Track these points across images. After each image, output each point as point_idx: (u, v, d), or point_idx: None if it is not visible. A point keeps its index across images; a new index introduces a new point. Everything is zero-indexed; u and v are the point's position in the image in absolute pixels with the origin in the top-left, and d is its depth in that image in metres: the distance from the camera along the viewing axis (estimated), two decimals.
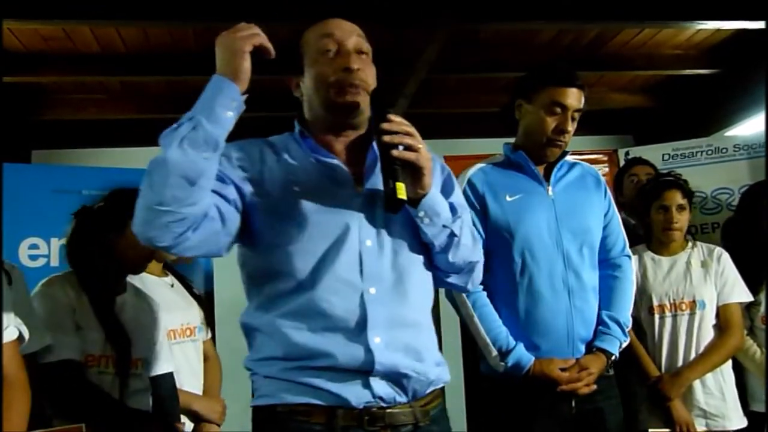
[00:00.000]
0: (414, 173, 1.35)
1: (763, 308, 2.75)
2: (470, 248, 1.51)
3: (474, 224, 2.10)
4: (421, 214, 1.40)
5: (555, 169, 2.16)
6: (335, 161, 1.47)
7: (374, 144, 1.45)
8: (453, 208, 1.48)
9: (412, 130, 1.36)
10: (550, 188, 2.14)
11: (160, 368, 2.26)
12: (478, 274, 1.60)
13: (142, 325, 2.22)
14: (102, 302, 2.10)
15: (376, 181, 1.43)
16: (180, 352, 2.52)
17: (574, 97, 2.08)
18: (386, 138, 1.34)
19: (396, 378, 1.37)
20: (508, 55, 4.49)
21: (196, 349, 2.64)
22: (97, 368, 2.04)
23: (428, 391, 1.44)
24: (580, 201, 2.16)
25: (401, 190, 1.31)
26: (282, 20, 3.66)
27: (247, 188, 1.42)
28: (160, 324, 2.31)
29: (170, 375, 2.30)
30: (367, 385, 1.35)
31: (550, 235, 2.08)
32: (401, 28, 3.89)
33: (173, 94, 4.94)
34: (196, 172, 1.25)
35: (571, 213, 2.12)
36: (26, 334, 1.69)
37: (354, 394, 1.34)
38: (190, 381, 2.55)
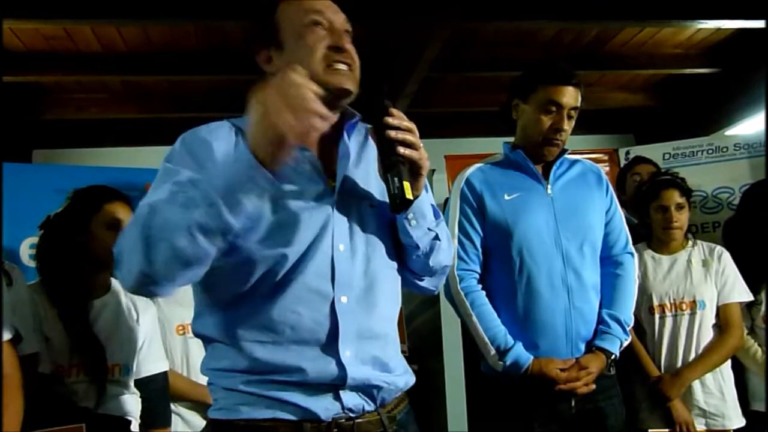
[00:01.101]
0: (413, 173, 1.30)
1: (763, 307, 2.74)
2: (447, 252, 1.46)
3: (472, 223, 2.11)
4: (410, 215, 1.34)
5: (554, 168, 2.16)
6: (308, 153, 1.35)
7: (345, 135, 1.39)
8: (434, 211, 1.44)
9: (413, 126, 1.30)
10: (549, 187, 2.14)
11: (150, 369, 2.25)
12: (445, 277, 1.55)
13: (123, 329, 2.19)
14: (69, 310, 2.06)
15: (350, 177, 1.37)
16: (197, 346, 2.51)
17: (569, 96, 2.08)
18: (392, 134, 1.27)
19: (366, 389, 1.31)
20: (509, 54, 4.49)
21: None
22: (68, 378, 2.02)
23: (395, 397, 1.39)
24: (580, 199, 2.16)
25: (408, 190, 1.25)
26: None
27: None
28: (149, 324, 2.29)
29: (162, 375, 2.29)
30: (336, 398, 1.28)
31: (549, 233, 2.07)
32: (403, 26, 3.89)
33: (174, 94, 4.94)
34: (200, 259, 1.16)
35: (571, 211, 2.11)
36: (24, 335, 1.69)
37: (323, 407, 1.26)
38: None
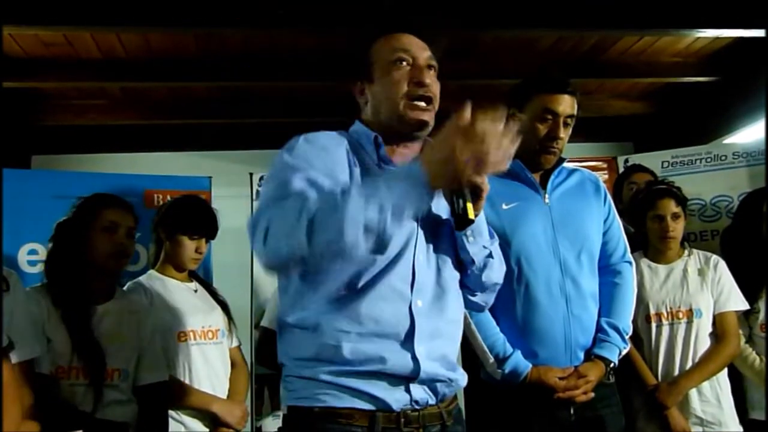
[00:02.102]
0: (474, 195, 1.41)
1: (761, 316, 2.74)
2: (499, 269, 1.62)
3: None
4: (469, 233, 1.50)
5: (552, 177, 2.16)
6: None
7: None
8: (490, 232, 1.59)
9: None
10: (546, 196, 2.14)
11: (147, 378, 2.26)
12: (495, 294, 1.69)
13: (124, 335, 2.22)
14: (72, 313, 2.10)
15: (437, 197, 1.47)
16: (199, 354, 2.54)
17: (564, 104, 2.09)
18: None
19: (433, 384, 1.46)
20: (508, 62, 4.50)
21: (220, 352, 2.64)
22: (67, 380, 2.05)
23: (452, 394, 1.54)
24: (577, 208, 2.16)
25: (471, 210, 1.38)
26: (283, 26, 3.68)
27: None
28: (150, 332, 2.31)
29: (160, 385, 2.30)
30: (407, 390, 1.43)
31: (547, 242, 2.08)
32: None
33: (174, 100, 4.95)
34: (349, 256, 1.27)
35: (568, 220, 2.12)
36: (20, 342, 1.69)
37: (395, 398, 1.41)
38: (211, 383, 2.56)
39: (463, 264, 1.57)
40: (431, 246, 1.52)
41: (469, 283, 1.60)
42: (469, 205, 1.38)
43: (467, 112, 1.28)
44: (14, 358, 1.70)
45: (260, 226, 1.30)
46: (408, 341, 1.42)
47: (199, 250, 2.64)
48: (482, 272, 1.58)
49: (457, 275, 1.57)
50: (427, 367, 1.43)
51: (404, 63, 1.55)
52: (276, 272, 1.47)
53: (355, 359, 1.39)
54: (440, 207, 1.53)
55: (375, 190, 1.26)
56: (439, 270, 1.51)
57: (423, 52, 1.58)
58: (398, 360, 1.41)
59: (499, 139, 1.24)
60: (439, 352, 1.47)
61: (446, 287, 1.52)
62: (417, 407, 1.45)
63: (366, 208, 1.23)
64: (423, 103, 1.54)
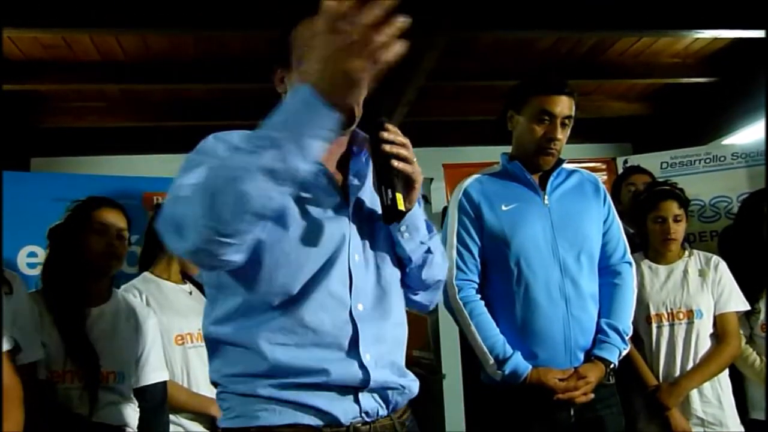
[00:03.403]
0: (407, 186, 1.33)
1: (762, 316, 2.74)
2: (440, 266, 1.50)
3: (470, 234, 2.12)
4: (403, 228, 1.38)
5: (551, 178, 2.17)
6: (323, 168, 1.36)
7: (359, 153, 1.43)
8: (428, 226, 1.47)
9: (407, 141, 1.34)
10: (546, 197, 2.15)
11: (148, 379, 2.27)
12: (440, 292, 1.59)
13: (120, 337, 2.23)
14: (65, 317, 2.11)
15: (362, 193, 1.41)
16: (196, 356, 2.53)
17: (561, 105, 2.09)
18: (387, 147, 1.30)
19: (383, 393, 1.34)
20: (506, 63, 4.50)
21: None
22: (62, 384, 2.05)
23: (405, 403, 1.42)
24: (577, 209, 2.16)
25: (401, 202, 1.28)
26: (281, 28, 3.67)
27: None
28: (149, 333, 2.31)
29: (161, 385, 2.30)
30: (356, 401, 1.30)
31: (546, 243, 2.08)
32: (400, 36, 3.90)
33: (172, 102, 4.95)
34: (270, 209, 1.12)
35: (568, 221, 2.12)
36: (23, 345, 1.69)
37: (343, 410, 1.28)
38: (209, 385, 2.54)
39: (401, 262, 1.44)
40: (367, 243, 1.38)
41: (410, 282, 1.47)
42: (399, 196, 1.28)
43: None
44: (20, 360, 1.70)
45: (166, 228, 1.17)
46: (353, 349, 1.29)
47: None
48: (422, 270, 1.45)
49: (397, 274, 1.44)
50: (377, 375, 1.30)
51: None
52: (208, 266, 1.27)
53: (296, 372, 1.25)
54: (374, 202, 1.40)
55: (262, 130, 1.11)
56: (378, 269, 1.38)
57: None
58: (343, 370, 1.27)
59: (369, 15, 1.04)
60: (388, 358, 1.35)
61: (388, 288, 1.39)
62: (368, 419, 1.31)
63: (258, 153, 1.07)
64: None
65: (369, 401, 1.32)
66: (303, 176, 1.11)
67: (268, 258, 1.27)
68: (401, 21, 1.06)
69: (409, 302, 1.52)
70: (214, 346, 1.35)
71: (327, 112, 1.08)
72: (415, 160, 1.33)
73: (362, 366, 1.29)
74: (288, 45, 1.43)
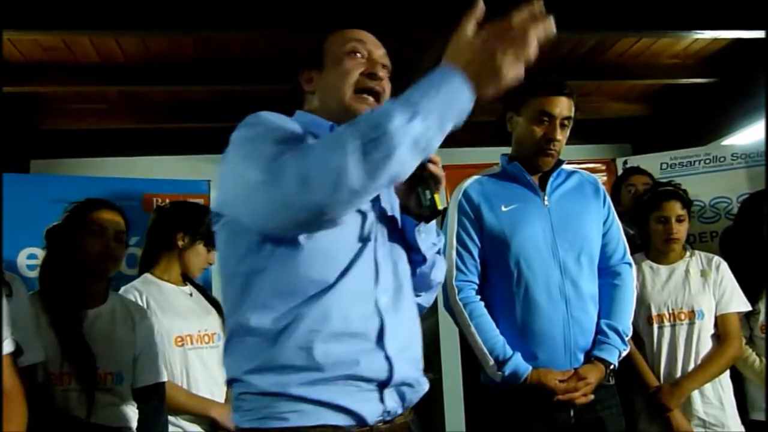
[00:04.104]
0: (436, 187, 1.40)
1: (762, 317, 2.75)
2: (443, 268, 1.59)
3: (470, 235, 2.12)
4: (421, 227, 1.45)
5: (551, 179, 2.17)
6: None
7: None
8: (435, 228, 1.52)
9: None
10: (545, 198, 2.15)
11: (146, 380, 2.26)
12: (436, 293, 1.65)
13: (118, 338, 2.22)
14: (61, 318, 2.10)
15: (385, 190, 1.43)
16: (196, 358, 2.53)
17: (561, 105, 2.10)
18: None
19: (403, 389, 1.36)
20: None
21: (217, 355, 2.61)
22: (60, 386, 2.05)
23: (415, 402, 1.43)
24: (577, 210, 2.16)
25: (439, 202, 1.37)
26: (281, 28, 3.68)
27: None
28: (146, 334, 2.31)
29: (159, 386, 2.30)
30: (381, 399, 1.31)
31: (546, 244, 2.08)
32: (399, 37, 3.90)
33: (172, 104, 4.94)
34: (399, 177, 1.19)
35: (568, 222, 2.12)
36: (24, 347, 1.69)
37: (370, 410, 1.30)
38: (209, 387, 2.55)
39: (413, 263, 1.50)
40: (386, 240, 1.43)
41: (417, 283, 1.52)
42: (437, 197, 1.36)
43: (516, 17, 1.18)
44: (21, 362, 1.69)
45: (288, 178, 1.15)
46: (379, 341, 1.31)
47: (209, 261, 2.69)
48: (431, 270, 1.53)
49: (409, 270, 1.48)
50: (400, 369, 1.33)
51: (359, 55, 1.48)
52: (304, 226, 1.25)
53: (327, 362, 1.25)
54: (391, 200, 1.48)
55: (415, 101, 1.16)
56: (395, 264, 1.42)
57: (378, 49, 1.53)
58: (372, 362, 1.29)
59: (537, 31, 1.17)
60: (407, 352, 1.37)
61: (404, 283, 1.43)
62: (388, 419, 1.33)
63: (411, 121, 1.13)
64: (371, 98, 1.47)
65: (391, 399, 1.33)
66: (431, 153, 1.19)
67: (306, 248, 1.29)
68: (551, 26, 1.19)
69: None
70: (240, 338, 1.31)
71: (470, 99, 1.18)
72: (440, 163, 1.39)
73: (387, 358, 1.31)
74: (321, 49, 1.52)
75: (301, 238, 1.28)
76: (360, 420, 1.28)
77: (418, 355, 1.43)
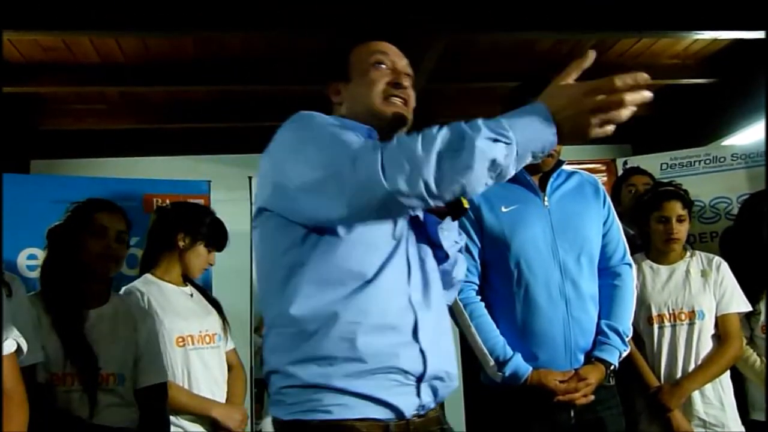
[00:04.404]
0: None
1: (763, 317, 2.74)
2: (464, 266, 1.66)
3: (470, 235, 2.12)
4: (444, 225, 1.53)
5: (551, 179, 2.17)
6: None
7: None
8: (457, 228, 1.61)
9: None
10: (546, 198, 2.15)
11: (147, 380, 2.26)
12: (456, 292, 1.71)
13: (119, 339, 2.22)
14: (63, 319, 2.10)
15: None
16: (197, 358, 2.53)
17: None
18: None
19: (435, 384, 1.42)
20: (505, 65, 4.50)
21: (218, 356, 2.64)
22: (62, 387, 2.05)
23: (446, 397, 1.49)
24: (577, 210, 2.16)
25: (465, 200, 1.41)
26: (281, 28, 3.68)
27: None
28: (147, 335, 2.31)
29: (161, 386, 2.30)
30: (417, 393, 1.38)
31: (546, 245, 2.08)
32: (399, 37, 3.90)
33: (172, 104, 4.95)
34: (470, 192, 1.24)
35: (568, 222, 2.12)
36: (24, 347, 1.68)
37: (407, 404, 1.36)
38: (210, 387, 2.56)
39: (437, 261, 1.57)
40: (414, 237, 1.49)
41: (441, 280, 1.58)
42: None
43: (618, 80, 1.23)
44: (20, 362, 1.69)
45: (396, 163, 1.20)
46: (414, 335, 1.38)
47: (210, 262, 2.70)
48: (453, 268, 1.60)
49: (437, 268, 1.55)
50: (433, 363, 1.39)
51: (383, 66, 1.57)
52: (395, 209, 1.29)
53: (369, 354, 1.31)
54: None
55: (504, 127, 1.21)
56: (422, 262, 1.48)
57: (401, 60, 1.61)
58: (409, 355, 1.36)
59: (635, 99, 1.22)
60: (441, 347, 1.44)
61: (432, 280, 1.49)
62: (422, 412, 1.40)
63: (496, 142, 1.19)
64: (400, 101, 1.55)
65: (426, 393, 1.40)
66: (503, 181, 1.24)
67: (348, 243, 1.37)
68: (649, 96, 1.22)
69: None
70: (280, 329, 1.38)
71: (552, 142, 1.23)
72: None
73: (422, 351, 1.37)
74: (347, 61, 1.60)
75: (342, 231, 1.36)
76: (399, 414, 1.35)
77: (450, 348, 1.50)
